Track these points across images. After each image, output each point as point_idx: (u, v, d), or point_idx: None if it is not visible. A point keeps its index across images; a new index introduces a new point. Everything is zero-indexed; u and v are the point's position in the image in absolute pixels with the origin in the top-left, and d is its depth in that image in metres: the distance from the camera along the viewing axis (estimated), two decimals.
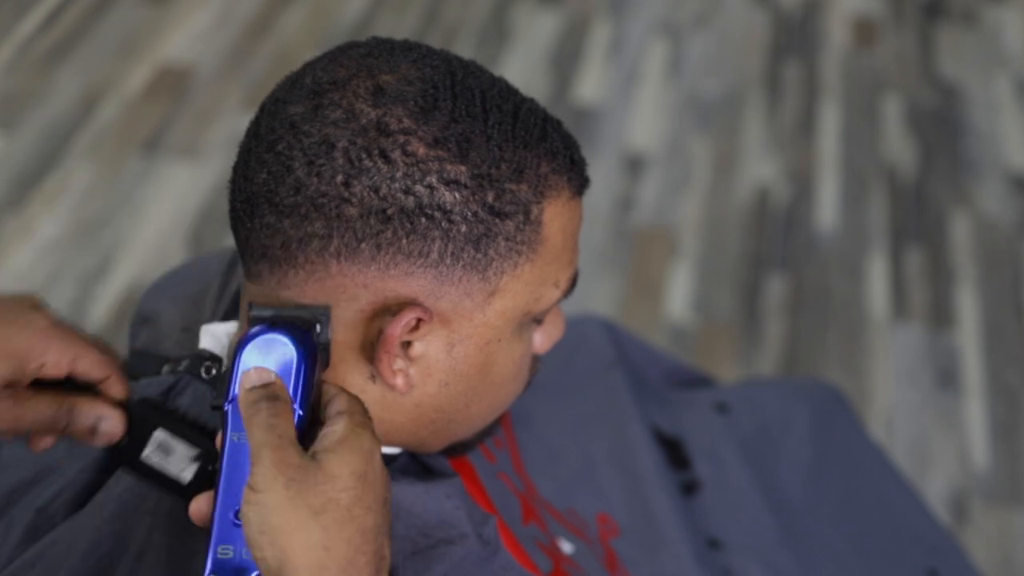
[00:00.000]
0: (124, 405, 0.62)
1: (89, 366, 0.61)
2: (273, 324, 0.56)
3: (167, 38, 2.25)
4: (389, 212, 0.56)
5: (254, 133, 0.60)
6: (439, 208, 0.56)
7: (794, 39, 2.42)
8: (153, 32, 2.26)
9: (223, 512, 0.53)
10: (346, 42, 0.63)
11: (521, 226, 0.59)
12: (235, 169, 0.61)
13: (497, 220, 0.58)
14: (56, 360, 0.59)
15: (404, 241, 0.57)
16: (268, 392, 0.53)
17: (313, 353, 0.56)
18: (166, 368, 0.69)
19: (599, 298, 1.81)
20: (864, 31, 2.45)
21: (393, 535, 0.62)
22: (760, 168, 2.09)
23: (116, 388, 0.63)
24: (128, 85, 2.13)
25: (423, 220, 0.56)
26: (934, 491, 1.57)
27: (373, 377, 0.61)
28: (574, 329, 0.99)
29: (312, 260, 0.58)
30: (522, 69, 2.26)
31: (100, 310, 1.72)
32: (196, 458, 0.61)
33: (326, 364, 0.59)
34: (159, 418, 0.62)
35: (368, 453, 0.52)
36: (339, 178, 0.56)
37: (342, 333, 0.60)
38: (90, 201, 1.90)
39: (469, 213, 0.57)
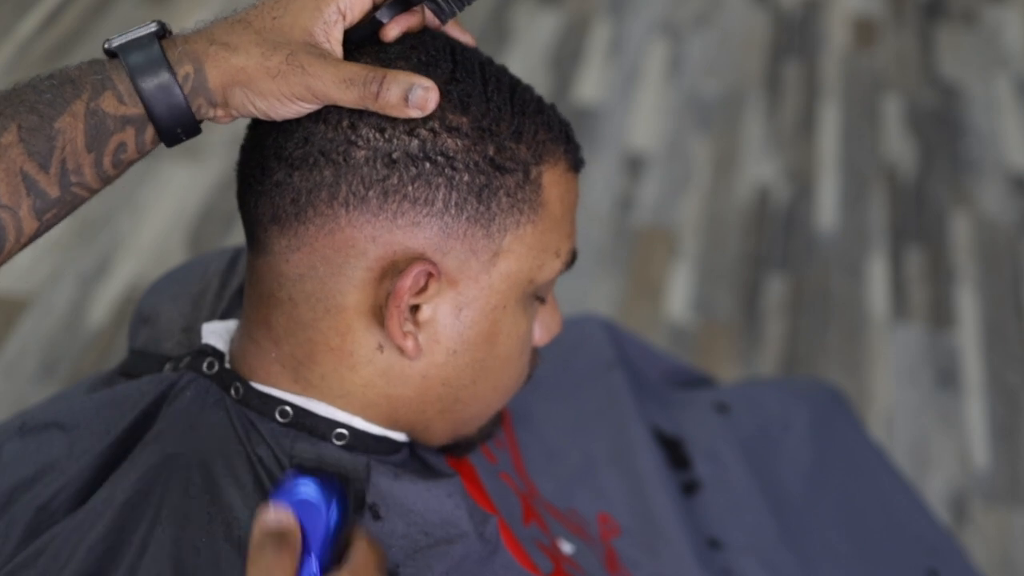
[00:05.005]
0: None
1: None
2: (312, 473, 0.58)
3: None
4: (395, 155, 0.59)
5: None
6: (442, 154, 0.59)
7: (794, 39, 2.42)
8: None
9: None
10: None
11: (521, 183, 0.61)
12: (245, 141, 0.64)
13: (498, 173, 0.60)
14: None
15: (410, 187, 0.59)
16: (276, 539, 0.54)
17: (345, 508, 0.58)
18: (168, 366, 0.69)
19: (599, 298, 1.81)
20: (864, 31, 2.45)
21: (393, 533, 0.63)
22: (760, 168, 2.09)
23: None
24: None
25: (427, 165, 0.59)
26: (934, 491, 1.57)
27: (381, 347, 0.63)
28: (574, 329, 0.99)
29: (322, 212, 0.59)
30: (522, 69, 2.26)
31: (100, 310, 1.72)
32: None
33: (357, 510, 0.62)
34: None
35: None
36: (345, 122, 0.59)
37: (352, 296, 0.61)
38: (90, 201, 1.90)
39: (471, 162, 0.59)
